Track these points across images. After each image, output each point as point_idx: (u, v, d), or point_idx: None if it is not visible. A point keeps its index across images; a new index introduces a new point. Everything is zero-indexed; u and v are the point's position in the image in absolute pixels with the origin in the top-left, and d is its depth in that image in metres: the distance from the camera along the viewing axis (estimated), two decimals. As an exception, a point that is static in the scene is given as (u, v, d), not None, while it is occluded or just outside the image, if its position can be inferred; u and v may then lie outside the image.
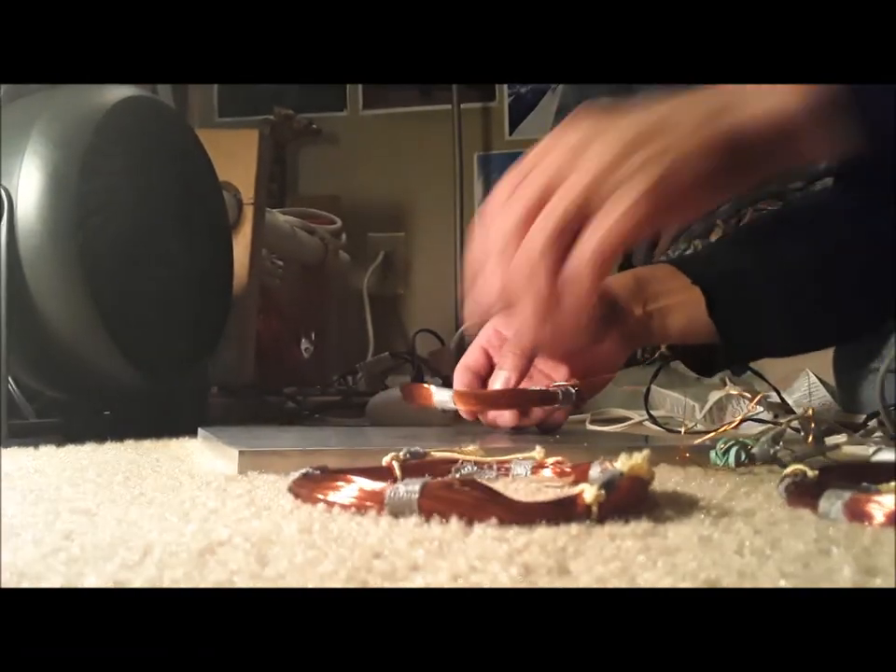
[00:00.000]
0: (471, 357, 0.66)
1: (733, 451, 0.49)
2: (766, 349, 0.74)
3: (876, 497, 0.31)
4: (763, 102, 0.50)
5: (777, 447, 0.51)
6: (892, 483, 0.33)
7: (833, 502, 0.32)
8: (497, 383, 0.59)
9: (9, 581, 0.23)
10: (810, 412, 0.58)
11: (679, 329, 0.67)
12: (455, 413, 0.63)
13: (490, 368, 0.64)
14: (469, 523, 0.30)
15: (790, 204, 1.32)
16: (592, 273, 0.47)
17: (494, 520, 0.30)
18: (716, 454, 0.49)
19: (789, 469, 0.37)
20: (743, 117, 0.50)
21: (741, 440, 0.50)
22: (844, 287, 0.69)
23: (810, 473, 0.37)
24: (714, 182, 0.50)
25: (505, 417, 0.61)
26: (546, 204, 0.48)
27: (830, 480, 0.36)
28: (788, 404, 0.87)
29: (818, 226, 0.71)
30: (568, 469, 0.43)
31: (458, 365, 0.66)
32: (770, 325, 0.69)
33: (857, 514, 0.31)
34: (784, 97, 0.50)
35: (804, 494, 0.35)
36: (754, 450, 0.49)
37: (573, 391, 0.59)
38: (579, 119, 0.51)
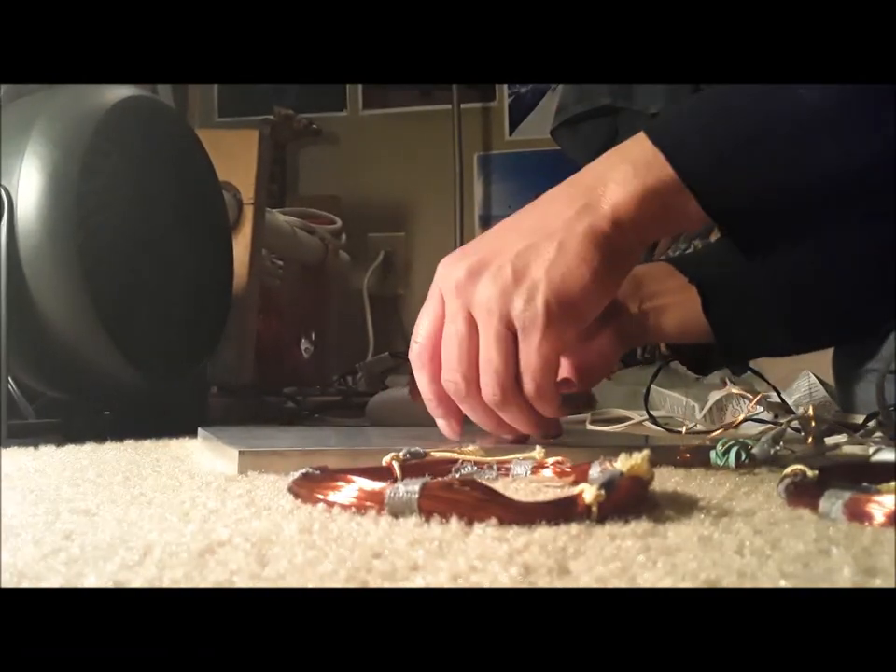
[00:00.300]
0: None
1: (733, 451, 0.49)
2: (762, 349, 0.74)
3: (876, 497, 0.31)
4: (625, 185, 0.49)
5: (777, 447, 0.51)
6: (892, 483, 0.33)
7: (833, 502, 0.32)
8: None
9: (9, 581, 0.23)
10: (810, 412, 0.58)
11: (674, 327, 0.67)
12: None
13: None
14: (469, 523, 0.30)
15: None
16: (544, 396, 0.50)
17: (494, 520, 0.30)
18: (716, 454, 0.49)
19: (789, 469, 0.37)
20: (608, 206, 0.49)
21: (741, 440, 0.50)
22: (842, 287, 0.69)
23: (810, 473, 0.37)
24: (607, 274, 0.50)
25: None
26: (477, 342, 0.50)
27: (830, 480, 0.36)
28: (788, 404, 0.87)
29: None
30: (568, 469, 0.43)
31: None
32: (766, 325, 0.69)
33: (857, 514, 0.31)
34: (645, 172, 0.49)
35: (804, 494, 0.35)
36: (754, 450, 0.49)
37: (585, 397, 0.59)
38: (453, 263, 0.52)
